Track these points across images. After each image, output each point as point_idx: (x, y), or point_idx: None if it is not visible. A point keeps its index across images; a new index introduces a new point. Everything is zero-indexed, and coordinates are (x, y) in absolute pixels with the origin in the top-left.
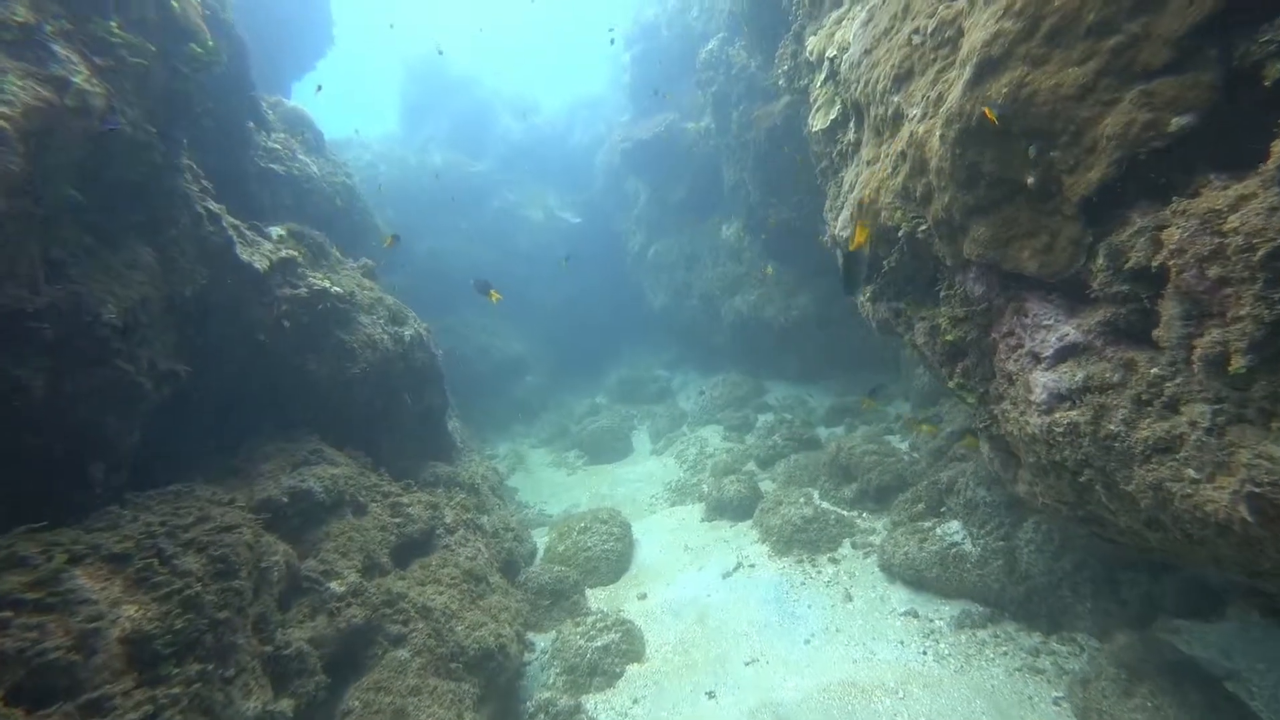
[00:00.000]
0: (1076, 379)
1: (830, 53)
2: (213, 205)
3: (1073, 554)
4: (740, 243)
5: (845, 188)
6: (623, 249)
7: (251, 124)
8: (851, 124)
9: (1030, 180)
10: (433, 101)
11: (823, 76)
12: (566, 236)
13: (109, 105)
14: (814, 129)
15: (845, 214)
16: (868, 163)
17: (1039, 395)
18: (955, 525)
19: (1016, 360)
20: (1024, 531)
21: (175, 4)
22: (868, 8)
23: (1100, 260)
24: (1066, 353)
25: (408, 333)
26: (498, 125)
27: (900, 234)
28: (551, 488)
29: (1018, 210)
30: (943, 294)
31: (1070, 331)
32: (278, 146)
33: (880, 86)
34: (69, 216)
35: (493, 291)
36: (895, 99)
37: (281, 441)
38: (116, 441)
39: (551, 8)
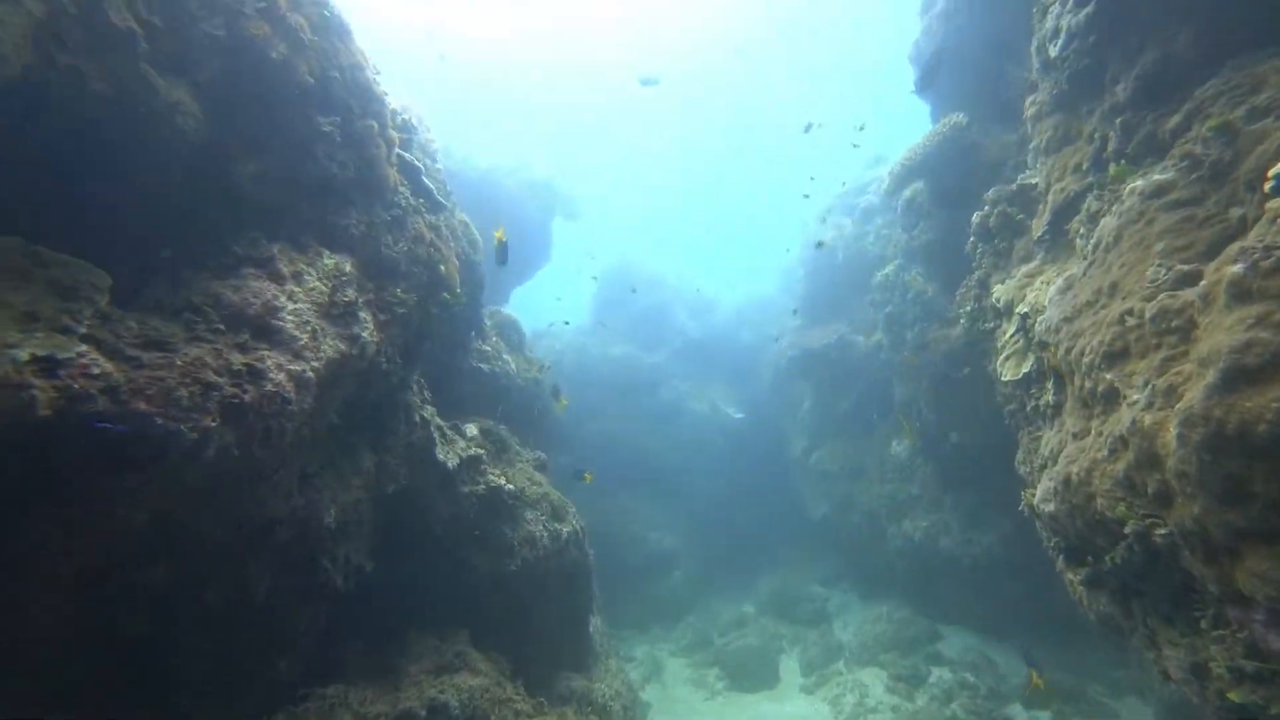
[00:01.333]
0: None
1: (1022, 309)
2: (427, 411)
3: None
4: (911, 462)
5: (1045, 451)
6: (784, 451)
7: (473, 333)
8: (1050, 385)
9: None
10: (620, 298)
11: (1013, 329)
12: (728, 431)
13: (379, 350)
14: (1004, 377)
15: (1048, 485)
16: (1073, 435)
17: None
18: None
19: None
20: None
21: (443, 267)
22: (1065, 276)
23: None
24: None
25: (565, 530)
26: (674, 321)
27: (1128, 531)
28: (688, 711)
29: None
30: (1207, 626)
31: None
32: (489, 349)
33: (1087, 360)
34: (327, 435)
35: (587, 475)
36: (1107, 376)
37: (434, 638)
38: (303, 635)
39: (732, 219)
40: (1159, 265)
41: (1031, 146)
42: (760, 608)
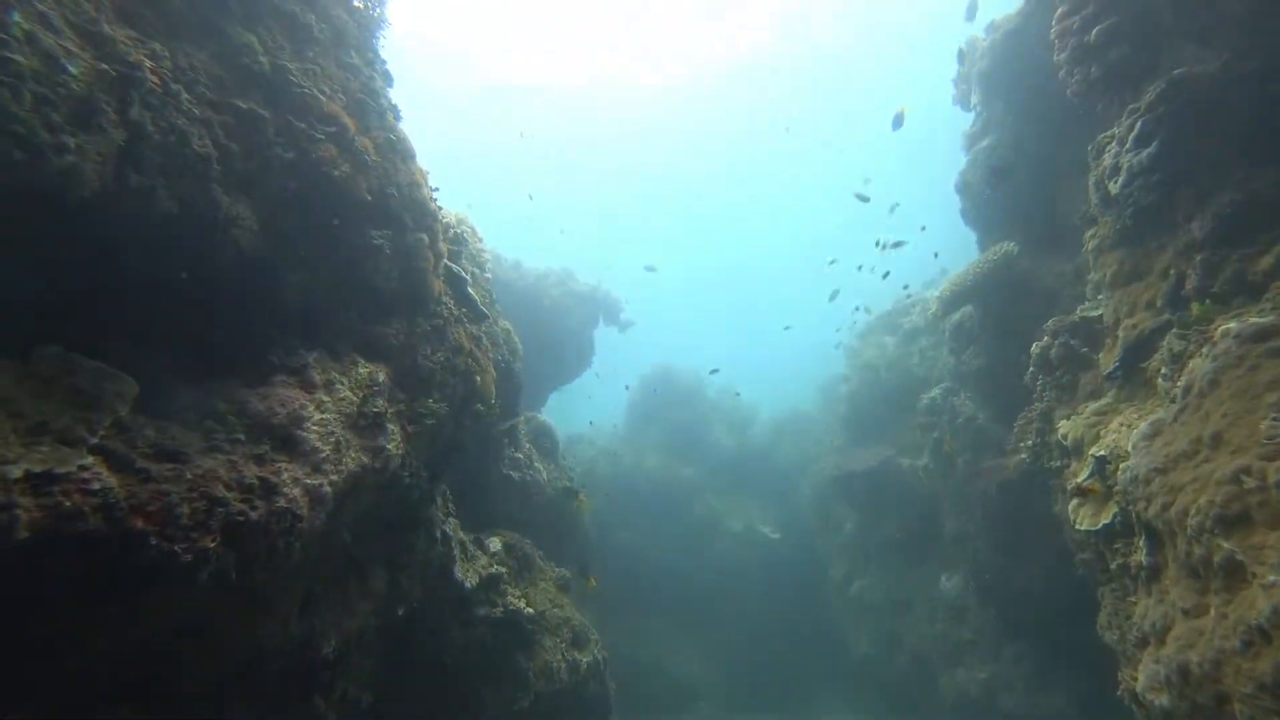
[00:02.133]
0: None
1: (1098, 451)
2: (450, 525)
3: None
4: (963, 601)
5: (1144, 624)
6: (822, 577)
7: (506, 440)
8: (1141, 543)
9: None
10: (657, 408)
11: (1087, 472)
12: (763, 553)
13: (403, 464)
14: (1079, 525)
15: (1156, 671)
16: (1184, 611)
17: None
18: None
19: None
20: None
21: (479, 378)
22: (1150, 420)
23: None
24: None
25: (585, 660)
26: (710, 435)
27: None
28: None
29: None
30: None
31: None
32: (520, 456)
33: (1194, 521)
34: (338, 551)
35: (591, 579)
36: (1224, 544)
37: None
38: None
39: (774, 340)
40: (1276, 419)
41: (1093, 279)
42: None
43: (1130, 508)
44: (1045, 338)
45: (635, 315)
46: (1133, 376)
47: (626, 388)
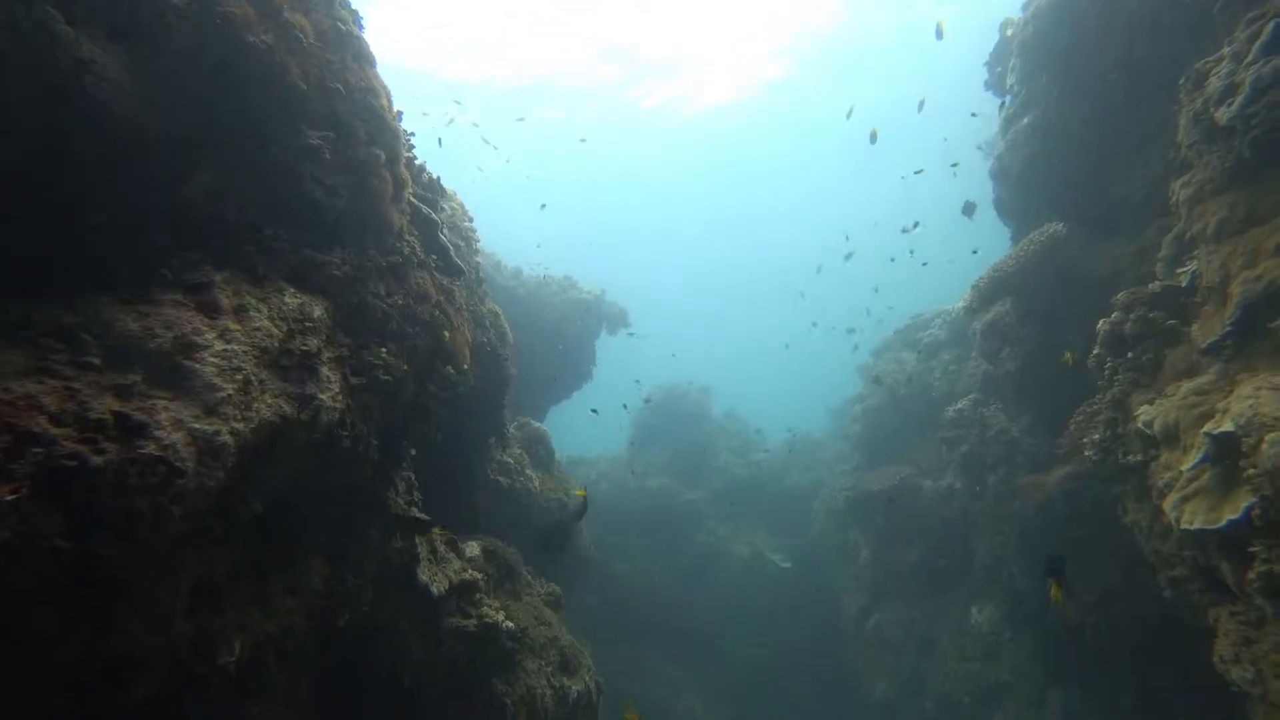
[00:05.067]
0: None
1: (1215, 429)
2: (415, 515)
3: None
4: (999, 636)
5: None
6: (835, 608)
7: (493, 439)
8: None
9: None
10: (662, 430)
11: (1196, 458)
12: (773, 582)
13: (343, 422)
14: (1187, 524)
15: None
16: None
17: None
18: None
19: None
20: None
21: (447, 334)
22: None
23: None
24: None
25: (575, 689)
26: (717, 459)
27: None
28: None
29: None
30: None
31: None
32: (510, 461)
33: None
34: (254, 533)
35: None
36: None
37: None
38: None
39: (780, 356)
40: None
41: (1175, 237)
42: None
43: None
44: (1116, 313)
45: (639, 326)
46: (1253, 341)
47: (625, 407)
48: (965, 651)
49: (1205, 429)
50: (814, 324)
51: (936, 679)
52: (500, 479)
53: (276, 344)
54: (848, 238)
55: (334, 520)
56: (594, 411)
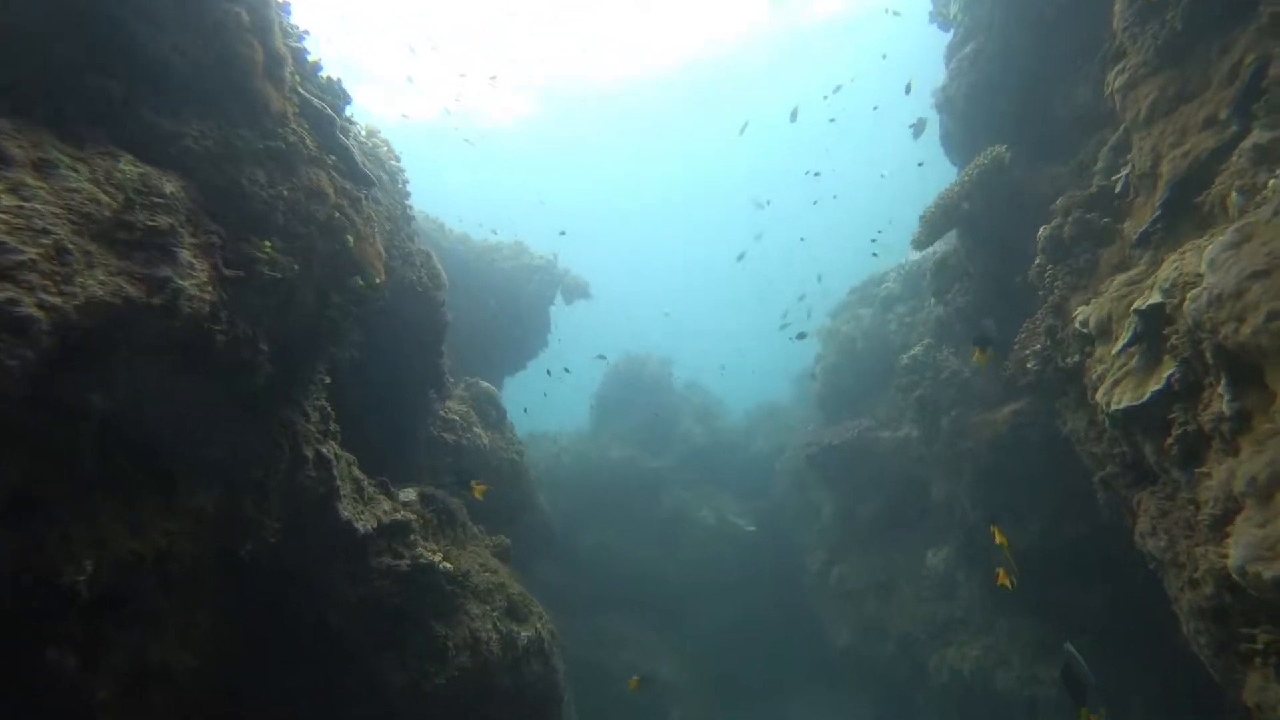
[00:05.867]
0: None
1: (1145, 302)
2: (330, 450)
3: None
4: (953, 576)
5: (1235, 488)
6: (801, 566)
7: (433, 392)
8: (1222, 388)
9: None
10: (624, 400)
11: (1124, 340)
12: (738, 547)
13: (215, 315)
14: (1115, 406)
15: (1265, 536)
16: None
17: None
18: None
19: None
20: None
21: (351, 239)
22: (1235, 228)
23: None
24: None
25: (525, 635)
26: (680, 426)
27: None
28: None
29: None
30: None
31: None
32: (456, 418)
33: None
34: (120, 445)
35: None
36: None
37: None
38: None
39: (742, 311)
40: None
41: (1110, 148)
42: None
43: (1202, 344)
44: (1055, 219)
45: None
46: (1181, 220)
47: (567, 370)
48: (922, 593)
49: (1134, 307)
50: (762, 290)
51: (897, 622)
52: (445, 435)
53: (109, 214)
54: (765, 205)
55: (227, 439)
56: (561, 372)
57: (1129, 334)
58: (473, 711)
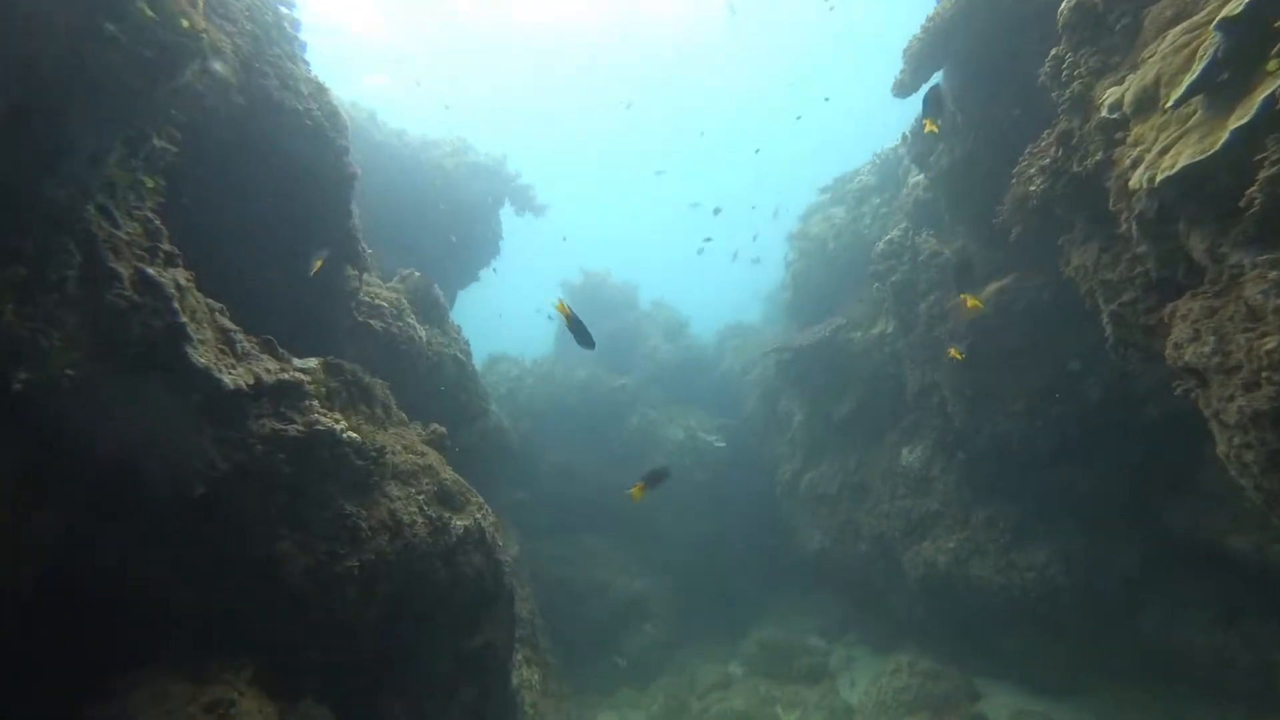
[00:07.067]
0: None
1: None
2: (164, 275)
3: None
4: (929, 469)
5: None
6: (773, 479)
7: (349, 267)
8: None
9: None
10: (587, 319)
11: (1187, 82)
12: (709, 463)
13: None
14: (1166, 171)
15: None
16: None
17: None
18: None
19: None
20: None
21: None
22: None
23: None
24: None
25: (460, 523)
26: (645, 344)
27: None
28: None
29: None
30: None
31: None
32: (384, 304)
33: None
34: None
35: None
36: None
37: (182, 679)
38: None
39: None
40: None
41: None
42: (748, 665)
43: None
44: None
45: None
46: None
47: (550, 318)
48: (896, 490)
49: (1222, 15)
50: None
51: (871, 522)
52: (372, 321)
53: None
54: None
55: None
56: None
57: (1201, 66)
58: (403, 605)
